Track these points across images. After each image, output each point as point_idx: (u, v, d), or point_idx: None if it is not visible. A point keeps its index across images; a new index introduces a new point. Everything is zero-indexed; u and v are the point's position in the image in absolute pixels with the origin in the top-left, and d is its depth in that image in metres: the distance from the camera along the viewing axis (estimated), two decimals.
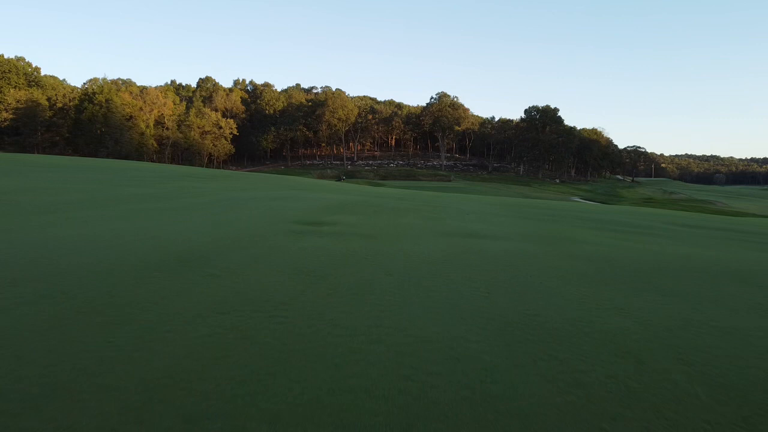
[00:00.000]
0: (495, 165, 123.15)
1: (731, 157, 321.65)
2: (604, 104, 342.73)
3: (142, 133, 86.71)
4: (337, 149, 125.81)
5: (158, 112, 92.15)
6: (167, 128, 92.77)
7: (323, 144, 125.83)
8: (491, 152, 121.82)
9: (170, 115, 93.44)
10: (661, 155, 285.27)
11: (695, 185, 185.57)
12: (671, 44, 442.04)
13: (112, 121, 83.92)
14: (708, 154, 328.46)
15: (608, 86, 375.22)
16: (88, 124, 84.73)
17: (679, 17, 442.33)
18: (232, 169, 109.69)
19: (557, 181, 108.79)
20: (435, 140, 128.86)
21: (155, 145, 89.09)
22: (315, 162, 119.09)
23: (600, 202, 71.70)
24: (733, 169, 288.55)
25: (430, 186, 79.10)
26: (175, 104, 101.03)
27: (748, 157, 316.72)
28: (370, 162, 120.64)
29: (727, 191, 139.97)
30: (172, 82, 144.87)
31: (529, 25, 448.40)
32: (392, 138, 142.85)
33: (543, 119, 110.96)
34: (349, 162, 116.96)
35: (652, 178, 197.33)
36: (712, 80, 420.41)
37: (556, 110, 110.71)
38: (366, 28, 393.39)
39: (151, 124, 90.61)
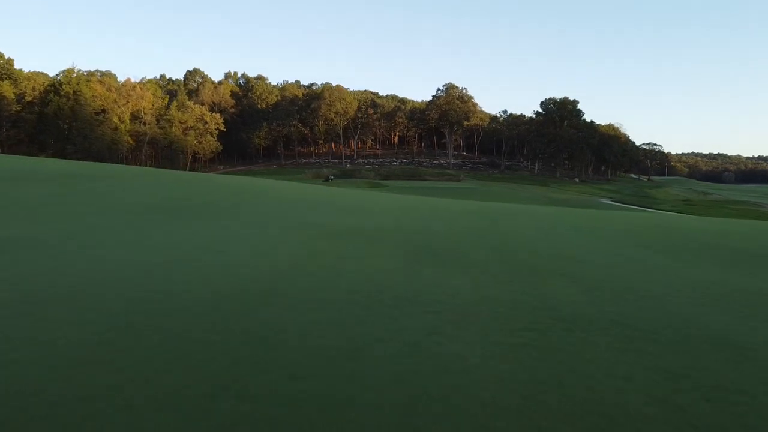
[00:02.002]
0: (506, 163, 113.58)
1: (738, 156, 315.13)
2: (607, 100, 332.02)
3: (116, 129, 77.42)
4: (336, 147, 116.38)
5: (134, 105, 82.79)
6: (145, 123, 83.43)
7: (321, 141, 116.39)
8: (504, 149, 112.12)
9: (149, 109, 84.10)
10: (668, 153, 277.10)
11: (712, 184, 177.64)
12: (677, 41, 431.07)
13: (81, 115, 74.74)
14: (715, 152, 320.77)
15: (610, 82, 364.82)
16: (54, 119, 75.60)
17: (683, 14, 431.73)
18: (219, 169, 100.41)
19: (576, 180, 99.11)
20: (441, 137, 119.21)
21: (131, 142, 79.77)
22: (311, 160, 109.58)
23: (635, 206, 62.17)
24: (742, 167, 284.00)
25: (440, 188, 69.64)
26: (156, 97, 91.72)
27: (756, 155, 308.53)
28: (371, 160, 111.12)
29: (750, 190, 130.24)
30: (162, 76, 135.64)
31: (532, 18, 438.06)
32: (395, 135, 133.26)
33: (561, 113, 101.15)
34: (349, 160, 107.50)
35: (666, 177, 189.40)
36: (714, 77, 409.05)
37: (575, 102, 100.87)
38: (366, 21, 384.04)
39: (127, 119, 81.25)
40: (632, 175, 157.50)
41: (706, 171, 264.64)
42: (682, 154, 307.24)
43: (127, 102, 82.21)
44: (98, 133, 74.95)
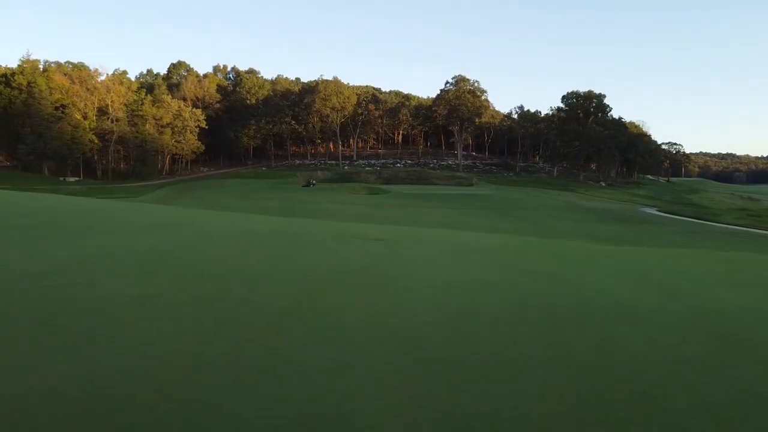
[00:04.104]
0: (521, 165, 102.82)
1: (747, 155, 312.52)
2: (613, 98, 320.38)
3: (77, 126, 66.94)
4: (334, 146, 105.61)
5: (101, 99, 72.33)
6: (115, 120, 72.92)
7: (319, 141, 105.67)
8: (519, 150, 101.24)
9: (119, 104, 73.58)
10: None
11: (731, 185, 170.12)
12: (680, 39, 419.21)
13: (36, 110, 64.40)
14: (723, 152, 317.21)
15: (614, 79, 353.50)
16: (4, 115, 65.31)
17: (688, 11, 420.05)
18: (203, 171, 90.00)
19: (602, 183, 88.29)
20: (449, 136, 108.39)
21: (95, 141, 69.29)
22: (305, 162, 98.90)
23: (690, 217, 51.45)
24: (753, 167, 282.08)
25: (453, 194, 59.07)
26: (131, 91, 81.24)
27: (765, 155, 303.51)
28: (373, 162, 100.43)
29: None
30: (149, 71, 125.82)
31: (538, 14, 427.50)
32: (399, 134, 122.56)
33: (585, 108, 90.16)
34: (347, 161, 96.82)
35: (684, 178, 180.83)
36: (719, 75, 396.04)
37: (601, 96, 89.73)
38: (369, 14, 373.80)
39: (91, 115, 70.80)
40: (649, 176, 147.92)
41: (716, 171, 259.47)
42: (691, 153, 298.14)
43: (93, 95, 71.82)
44: (56, 131, 64.54)
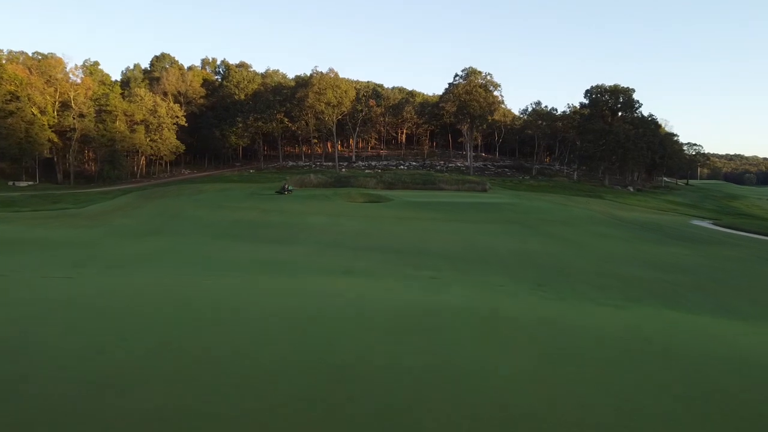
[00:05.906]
0: (537, 167, 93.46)
1: (755, 156, 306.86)
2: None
3: (32, 122, 57.97)
4: (332, 146, 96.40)
5: (62, 92, 63.37)
6: (81, 116, 63.97)
7: (315, 140, 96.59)
8: (536, 150, 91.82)
9: (84, 98, 64.59)
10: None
11: (752, 188, 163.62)
12: (685, 36, 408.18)
13: None
14: (731, 153, 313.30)
15: (617, 76, 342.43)
16: None
17: (691, 8, 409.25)
18: (184, 173, 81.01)
19: (630, 188, 78.83)
20: (457, 135, 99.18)
21: (55, 140, 60.35)
22: (298, 164, 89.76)
23: (755, 233, 42.14)
24: (764, 168, 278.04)
25: (467, 202, 49.84)
26: (105, 84, 72.42)
27: None
28: (373, 163, 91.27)
29: None
30: (136, 65, 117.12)
31: (545, 12, 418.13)
32: (402, 133, 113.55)
33: (612, 104, 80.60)
34: (346, 163, 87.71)
35: (698, 181, 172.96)
36: (723, 74, 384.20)
37: (629, 91, 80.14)
38: (370, 8, 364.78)
39: (50, 110, 61.87)
40: (665, 179, 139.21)
41: (725, 172, 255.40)
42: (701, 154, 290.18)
43: (54, 88, 62.86)
44: (5, 128, 55.61)
